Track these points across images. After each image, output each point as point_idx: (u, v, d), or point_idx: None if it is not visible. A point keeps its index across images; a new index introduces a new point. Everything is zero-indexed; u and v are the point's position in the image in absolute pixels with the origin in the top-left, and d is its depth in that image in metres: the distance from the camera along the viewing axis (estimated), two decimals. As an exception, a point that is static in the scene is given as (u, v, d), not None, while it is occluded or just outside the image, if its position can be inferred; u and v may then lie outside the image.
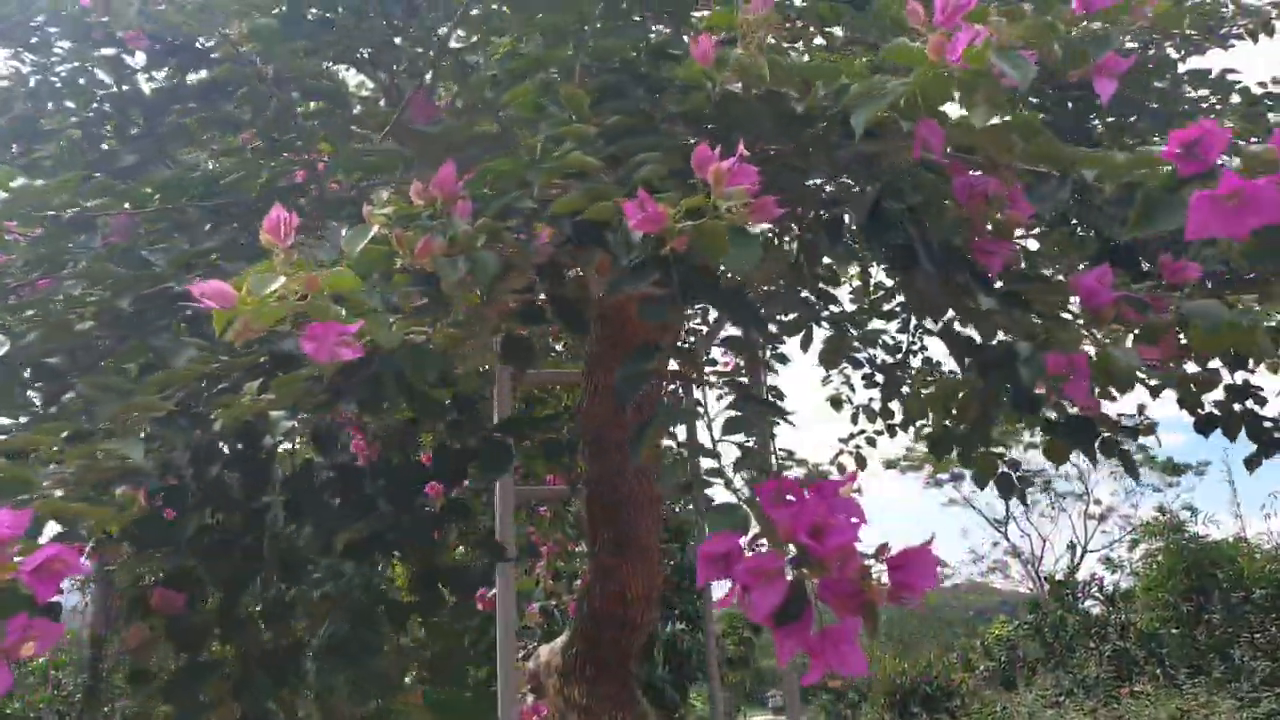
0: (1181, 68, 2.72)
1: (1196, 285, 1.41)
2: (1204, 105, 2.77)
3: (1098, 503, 19.91)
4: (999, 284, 1.26)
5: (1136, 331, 1.14)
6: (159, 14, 1.39)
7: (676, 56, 1.29)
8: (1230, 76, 2.66)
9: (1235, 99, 2.61)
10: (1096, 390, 1.19)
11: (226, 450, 1.37)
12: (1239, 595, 11.41)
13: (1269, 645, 10.87)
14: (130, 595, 1.32)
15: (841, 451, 3.70)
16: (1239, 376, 2.20)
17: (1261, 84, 2.72)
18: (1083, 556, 19.14)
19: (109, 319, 1.23)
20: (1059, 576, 15.41)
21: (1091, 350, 1.12)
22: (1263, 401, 2.34)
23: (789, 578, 0.85)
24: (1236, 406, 2.28)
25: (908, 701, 13.21)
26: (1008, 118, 0.96)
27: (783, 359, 3.22)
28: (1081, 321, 1.15)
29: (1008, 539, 22.56)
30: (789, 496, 0.90)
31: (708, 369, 3.79)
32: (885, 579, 0.87)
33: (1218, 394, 2.24)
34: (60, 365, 1.26)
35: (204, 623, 1.24)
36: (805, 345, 2.45)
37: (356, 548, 1.24)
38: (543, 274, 1.20)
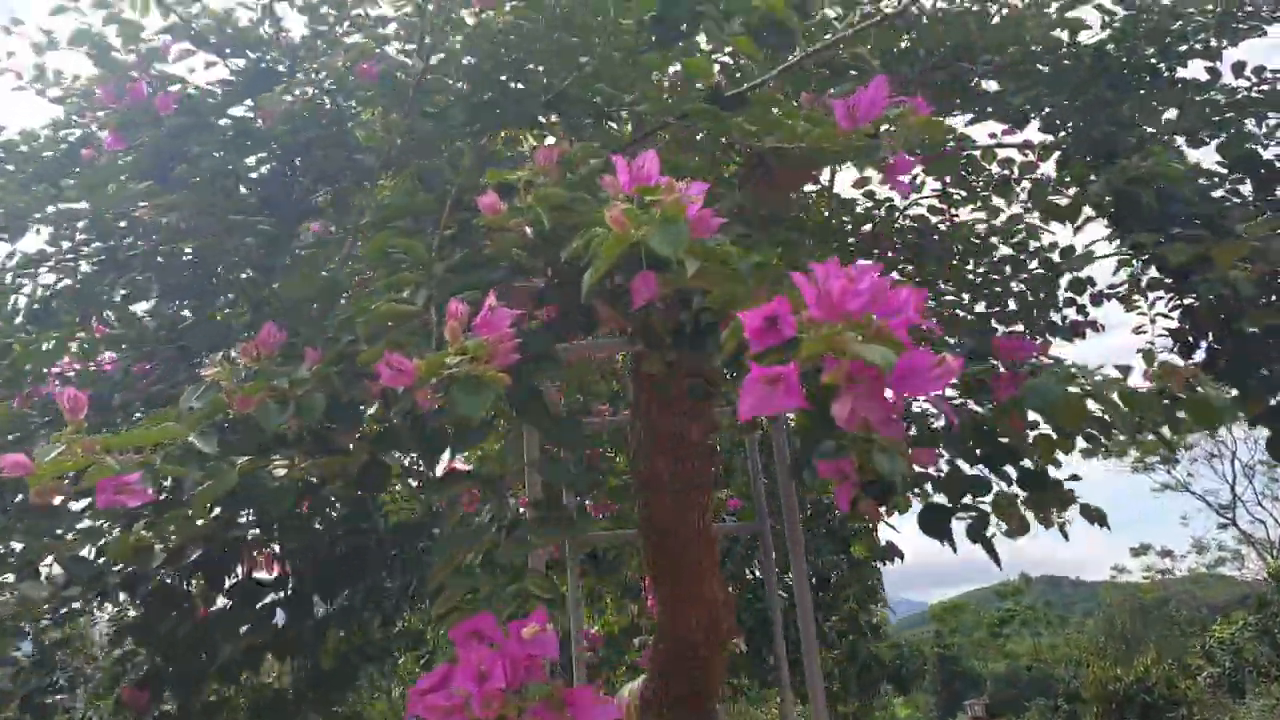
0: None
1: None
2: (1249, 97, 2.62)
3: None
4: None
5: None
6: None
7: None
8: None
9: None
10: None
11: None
12: None
13: None
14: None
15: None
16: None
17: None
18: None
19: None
20: (1286, 566, 14.00)
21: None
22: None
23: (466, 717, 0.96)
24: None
25: (1124, 710, 12.33)
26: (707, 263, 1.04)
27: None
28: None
29: (1237, 525, 20.67)
30: (484, 636, 1.01)
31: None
32: None
33: None
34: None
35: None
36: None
37: (248, 658, 1.44)
38: (388, 403, 1.36)
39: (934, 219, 3.18)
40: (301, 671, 1.47)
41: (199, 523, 1.30)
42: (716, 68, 2.45)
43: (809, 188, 3.15)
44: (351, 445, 1.38)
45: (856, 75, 1.80)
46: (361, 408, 1.38)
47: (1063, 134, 2.66)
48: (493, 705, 0.92)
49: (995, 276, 3.08)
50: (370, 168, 1.88)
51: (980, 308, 3.07)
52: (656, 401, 2.62)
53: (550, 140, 1.79)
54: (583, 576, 4.26)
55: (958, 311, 2.96)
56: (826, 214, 3.13)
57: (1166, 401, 1.40)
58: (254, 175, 2.20)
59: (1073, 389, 1.29)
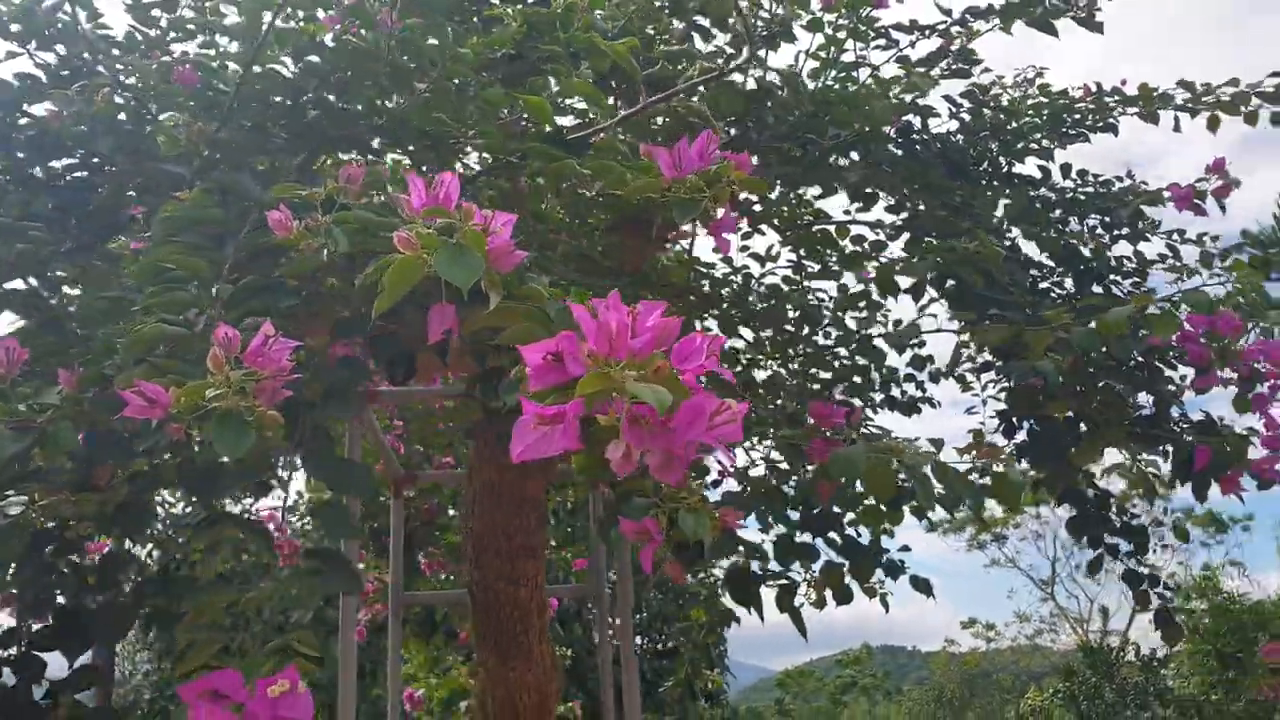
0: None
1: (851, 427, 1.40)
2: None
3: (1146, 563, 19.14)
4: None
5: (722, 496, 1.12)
6: None
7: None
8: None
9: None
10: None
11: None
12: None
13: (1313, 714, 10.35)
14: None
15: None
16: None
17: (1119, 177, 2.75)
18: (1132, 619, 18.45)
19: None
20: (1094, 643, 14.83)
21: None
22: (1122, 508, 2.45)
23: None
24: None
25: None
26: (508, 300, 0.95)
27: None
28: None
29: (1054, 600, 21.84)
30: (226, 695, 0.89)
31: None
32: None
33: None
34: None
35: None
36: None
37: None
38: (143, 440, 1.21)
39: (786, 288, 3.22)
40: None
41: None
42: (569, 117, 2.42)
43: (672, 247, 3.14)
44: (109, 482, 1.22)
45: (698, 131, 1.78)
46: (130, 439, 1.22)
47: (905, 215, 2.74)
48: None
49: (839, 350, 3.12)
50: (181, 178, 1.72)
51: (826, 376, 3.10)
52: (492, 452, 2.52)
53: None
54: (423, 639, 4.04)
55: (783, 373, 2.99)
56: (687, 275, 3.12)
57: (980, 479, 1.40)
58: (60, 182, 2.01)
59: (880, 460, 1.27)
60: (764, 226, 3.16)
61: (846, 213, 3.13)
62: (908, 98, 2.36)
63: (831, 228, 3.11)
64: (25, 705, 1.14)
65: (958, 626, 23.64)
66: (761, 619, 1.39)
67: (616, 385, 0.67)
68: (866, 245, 3.11)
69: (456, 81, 1.67)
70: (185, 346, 1.13)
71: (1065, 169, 2.80)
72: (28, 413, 1.09)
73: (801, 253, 3.26)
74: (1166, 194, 2.35)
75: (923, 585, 1.96)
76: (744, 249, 3.37)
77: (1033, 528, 20.58)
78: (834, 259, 3.19)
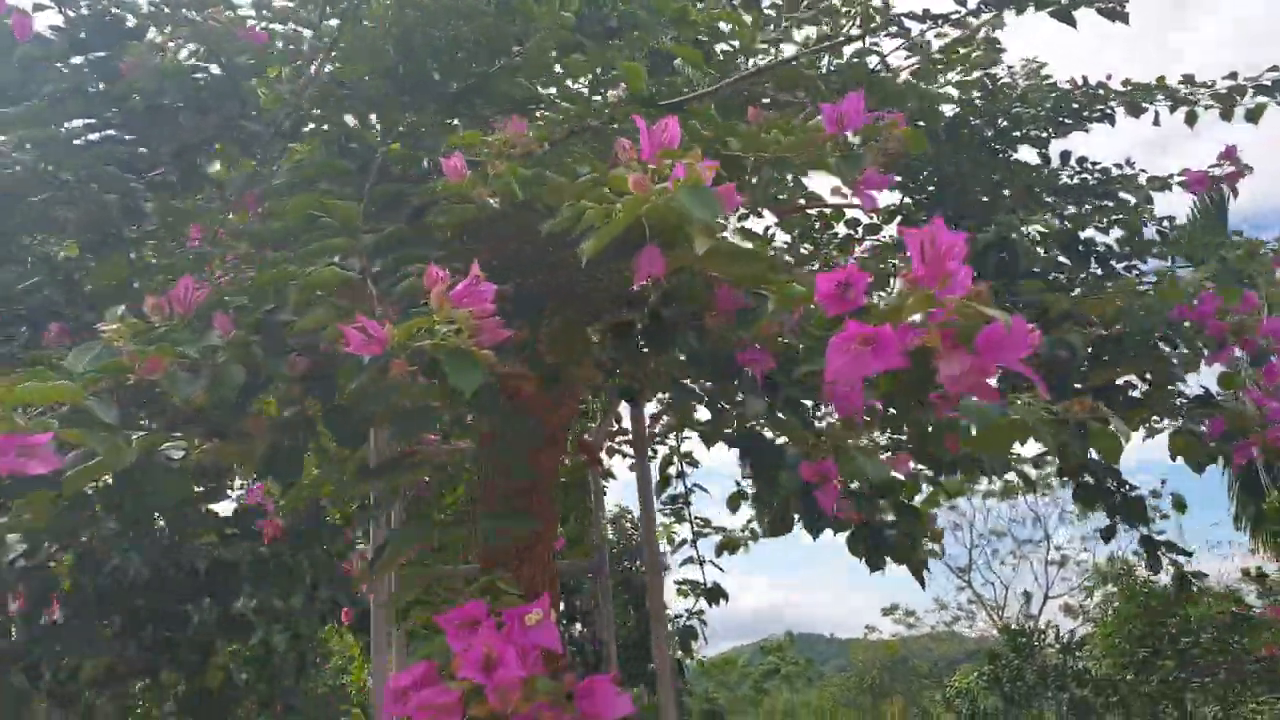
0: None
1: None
2: (1066, 182, 2.91)
3: (1058, 548, 19.94)
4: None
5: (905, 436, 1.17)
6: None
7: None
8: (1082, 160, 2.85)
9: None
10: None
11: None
12: (1188, 641, 11.47)
13: (1219, 690, 10.91)
14: None
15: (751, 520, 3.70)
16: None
17: (1118, 164, 2.87)
18: (1045, 603, 19.16)
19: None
20: (1015, 625, 15.37)
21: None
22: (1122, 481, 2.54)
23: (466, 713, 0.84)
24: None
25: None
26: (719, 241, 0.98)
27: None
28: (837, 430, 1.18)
29: (971, 587, 22.54)
30: (477, 624, 0.90)
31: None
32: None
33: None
34: None
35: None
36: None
37: (121, 674, 1.21)
38: (308, 385, 1.20)
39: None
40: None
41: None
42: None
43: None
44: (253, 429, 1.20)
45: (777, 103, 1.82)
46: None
47: (917, 197, 2.83)
48: (510, 696, 0.80)
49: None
50: (256, 135, 1.69)
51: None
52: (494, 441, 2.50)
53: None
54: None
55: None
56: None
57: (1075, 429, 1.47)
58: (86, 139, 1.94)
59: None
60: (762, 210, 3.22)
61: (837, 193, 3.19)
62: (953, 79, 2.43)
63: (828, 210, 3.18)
64: (189, 645, 1.12)
65: (878, 614, 24.18)
66: (922, 585, 1.43)
67: (941, 305, 0.72)
68: (861, 229, 3.19)
69: (553, 48, 1.68)
70: (357, 290, 1.13)
71: (1065, 156, 2.92)
72: (203, 354, 1.07)
73: (795, 233, 3.32)
74: (1181, 179, 2.48)
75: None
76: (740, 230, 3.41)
77: (951, 519, 21.20)
78: (828, 241, 3.26)
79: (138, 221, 1.53)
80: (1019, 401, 1.42)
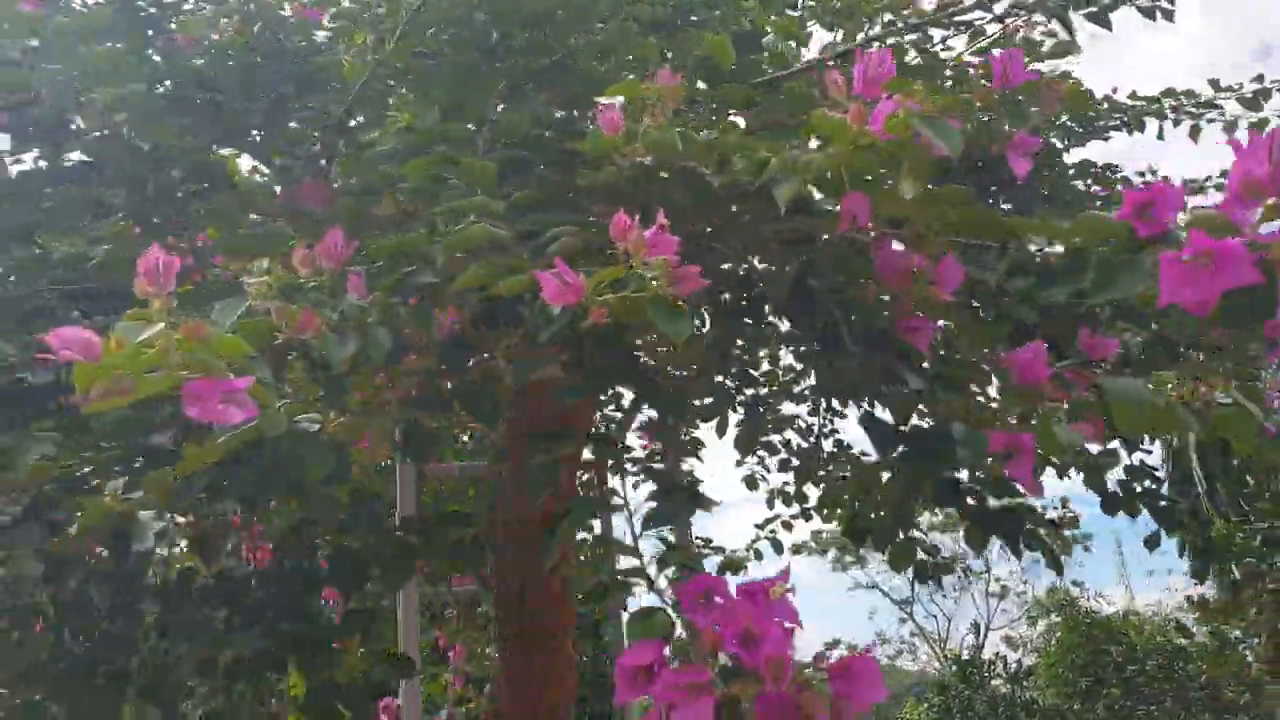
0: (1067, 159, 2.91)
1: (1115, 361, 1.41)
2: (1091, 195, 2.93)
3: (998, 580, 20.19)
4: (925, 365, 1.23)
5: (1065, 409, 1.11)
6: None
7: (582, 132, 1.24)
8: (1111, 168, 2.86)
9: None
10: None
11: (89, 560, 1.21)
12: (1133, 669, 11.69)
13: (1164, 717, 11.12)
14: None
15: (758, 538, 3.64)
16: (1135, 457, 2.32)
17: (1140, 173, 2.91)
18: (986, 635, 19.37)
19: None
20: (964, 655, 15.49)
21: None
22: (1159, 481, 2.47)
23: (718, 693, 0.75)
24: (1137, 486, 2.40)
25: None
26: (936, 188, 0.93)
27: (698, 444, 3.14)
28: (999, 402, 1.12)
29: (913, 620, 22.71)
30: (716, 598, 0.82)
31: (625, 455, 3.71)
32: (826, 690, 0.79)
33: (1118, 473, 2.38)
34: None
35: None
36: (721, 431, 2.39)
37: (245, 666, 1.09)
38: (446, 357, 1.11)
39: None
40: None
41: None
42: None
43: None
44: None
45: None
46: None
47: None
48: (783, 673, 0.72)
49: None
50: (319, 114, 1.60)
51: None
52: (519, 437, 2.41)
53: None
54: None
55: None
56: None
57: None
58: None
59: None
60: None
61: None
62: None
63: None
64: (313, 637, 1.01)
65: (821, 647, 24.19)
66: (1018, 555, 1.38)
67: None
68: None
69: (636, 26, 1.62)
70: (502, 251, 1.04)
71: (1084, 166, 2.94)
72: (350, 314, 0.97)
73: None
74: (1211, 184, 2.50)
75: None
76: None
77: (895, 552, 21.32)
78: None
79: (208, 193, 1.42)
80: (1157, 383, 1.38)
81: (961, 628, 20.14)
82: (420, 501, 2.78)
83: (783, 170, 0.95)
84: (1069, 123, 2.86)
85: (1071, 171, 2.90)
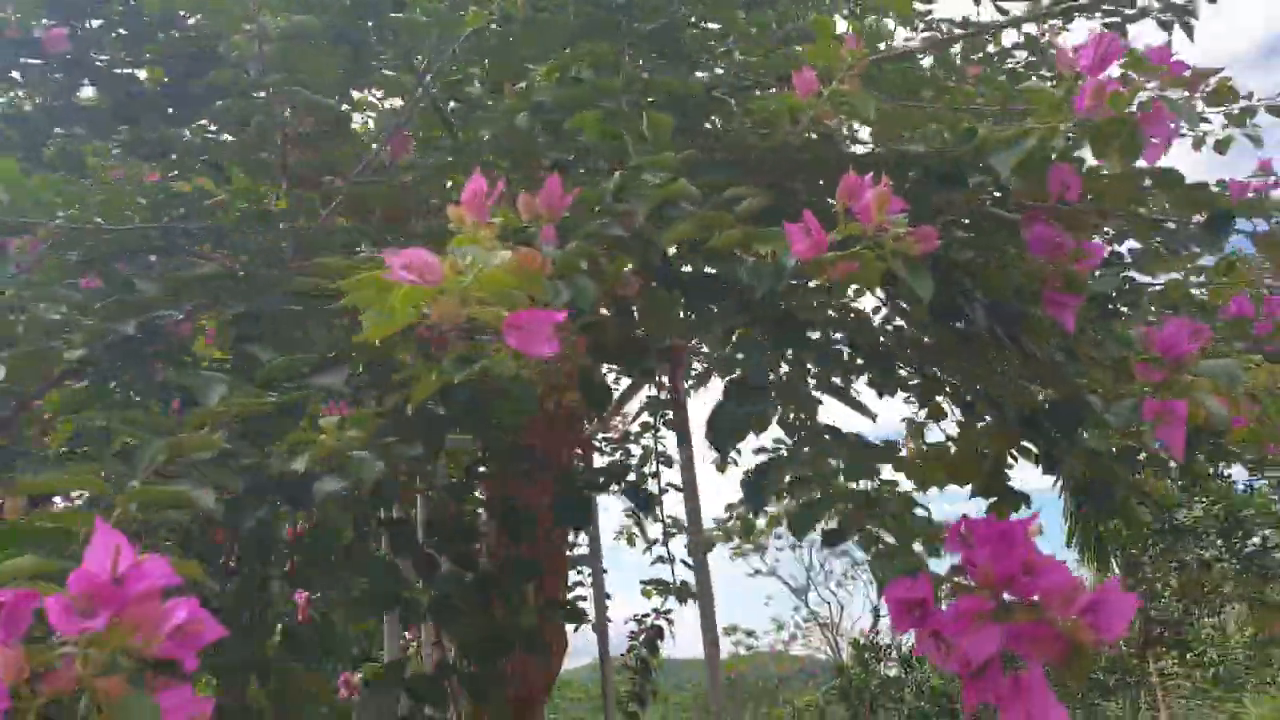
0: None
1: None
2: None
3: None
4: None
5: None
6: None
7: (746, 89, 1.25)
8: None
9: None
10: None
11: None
12: (1023, 652, 12.26)
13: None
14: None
15: (728, 520, 3.71)
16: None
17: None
18: (877, 620, 20.03)
19: (102, 349, 1.03)
20: (860, 640, 16.03)
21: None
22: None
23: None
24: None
25: (721, 781, 13.28)
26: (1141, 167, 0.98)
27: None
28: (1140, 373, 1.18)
29: (808, 605, 23.29)
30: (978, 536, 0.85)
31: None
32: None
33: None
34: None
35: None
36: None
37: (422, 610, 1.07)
38: (619, 311, 1.11)
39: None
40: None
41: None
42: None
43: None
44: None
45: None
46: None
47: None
48: (1068, 604, 0.76)
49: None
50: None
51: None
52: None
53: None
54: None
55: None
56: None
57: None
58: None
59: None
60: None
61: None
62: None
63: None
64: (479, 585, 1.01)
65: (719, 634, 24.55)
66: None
67: None
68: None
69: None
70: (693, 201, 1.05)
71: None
72: (563, 262, 0.96)
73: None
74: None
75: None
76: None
77: (790, 539, 21.89)
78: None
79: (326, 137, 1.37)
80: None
81: (855, 613, 20.77)
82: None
83: (997, 142, 0.98)
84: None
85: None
